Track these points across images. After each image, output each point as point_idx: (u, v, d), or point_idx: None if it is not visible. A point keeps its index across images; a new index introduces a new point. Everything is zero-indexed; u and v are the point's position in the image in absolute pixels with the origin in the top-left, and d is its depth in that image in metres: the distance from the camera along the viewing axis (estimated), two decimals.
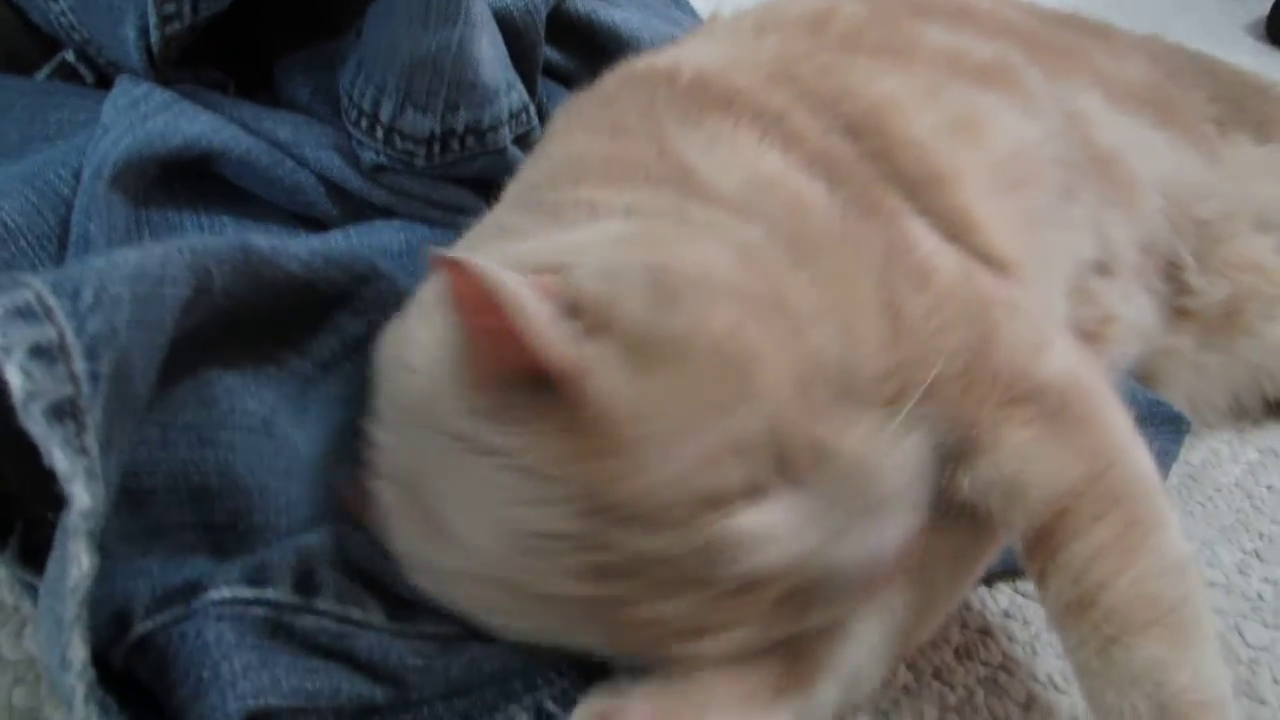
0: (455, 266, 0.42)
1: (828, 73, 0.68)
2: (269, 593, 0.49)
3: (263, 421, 0.58)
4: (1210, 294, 0.78)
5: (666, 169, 0.58)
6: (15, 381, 0.42)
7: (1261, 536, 0.73)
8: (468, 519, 0.45)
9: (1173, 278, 0.78)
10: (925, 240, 0.59)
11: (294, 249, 0.60)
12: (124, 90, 0.72)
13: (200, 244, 0.54)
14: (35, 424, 0.42)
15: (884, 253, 0.56)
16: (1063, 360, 0.57)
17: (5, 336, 0.43)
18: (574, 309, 0.44)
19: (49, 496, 0.48)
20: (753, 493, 0.43)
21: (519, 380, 0.43)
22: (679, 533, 0.42)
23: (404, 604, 0.52)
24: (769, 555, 0.43)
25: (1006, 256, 0.62)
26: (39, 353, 0.44)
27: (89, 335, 0.45)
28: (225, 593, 0.49)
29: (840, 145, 0.63)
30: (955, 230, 0.61)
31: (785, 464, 0.44)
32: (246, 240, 0.57)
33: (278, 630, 0.49)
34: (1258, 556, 0.71)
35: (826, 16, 0.74)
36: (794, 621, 0.46)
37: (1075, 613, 0.50)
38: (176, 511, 0.54)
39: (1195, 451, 0.81)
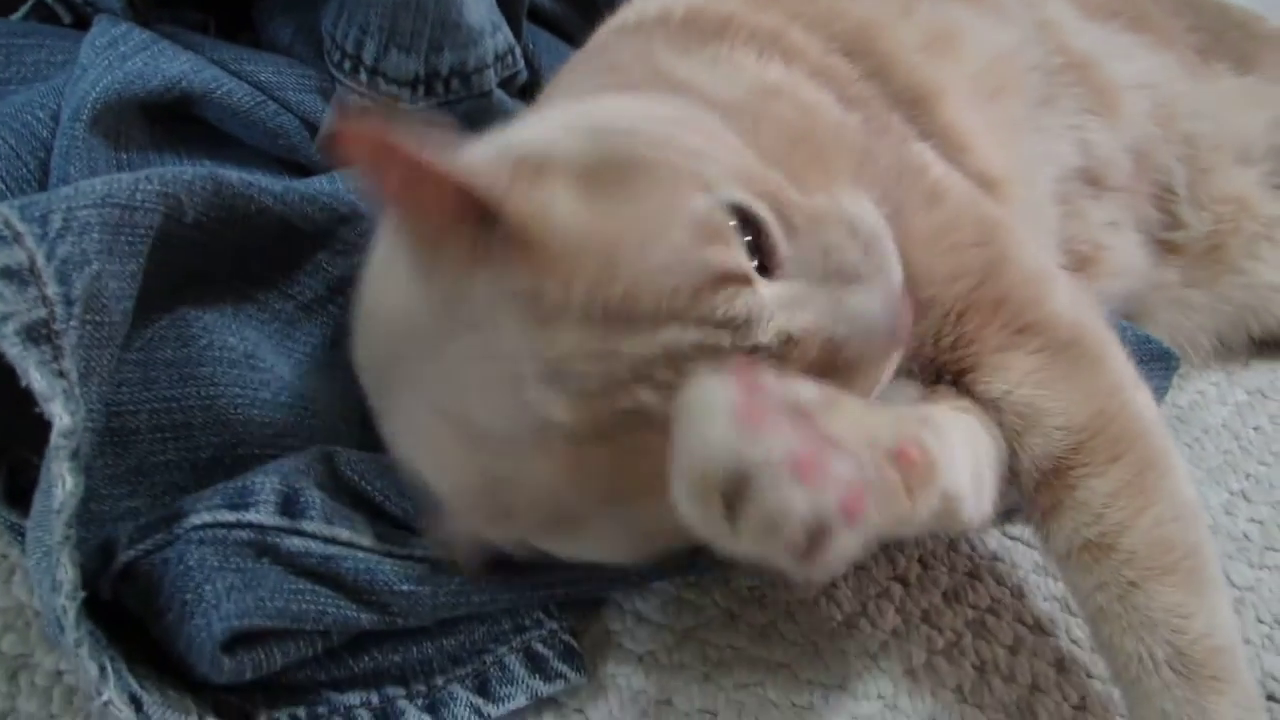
0: (345, 131, 0.38)
1: None
2: (251, 515, 0.49)
3: (245, 355, 0.58)
4: (1196, 228, 0.77)
5: (663, 85, 0.56)
6: None
7: (1248, 477, 0.73)
8: (480, 403, 0.42)
9: (1164, 208, 0.77)
10: (935, 164, 0.59)
11: (267, 183, 0.59)
12: (102, 30, 0.70)
13: (169, 173, 0.54)
14: (10, 345, 0.43)
15: (896, 170, 0.55)
16: (1068, 296, 0.57)
17: None
18: (515, 169, 0.42)
19: (32, 439, 0.48)
20: (744, 272, 0.42)
21: (466, 245, 0.40)
22: (683, 322, 0.40)
23: (395, 526, 0.52)
24: (779, 322, 0.41)
25: (996, 174, 0.62)
26: (9, 275, 0.44)
27: (59, 259, 0.45)
28: (206, 517, 0.49)
29: (842, 65, 0.63)
30: (948, 151, 0.61)
31: (767, 240, 0.43)
32: (216, 171, 0.56)
33: (264, 552, 0.49)
34: (1244, 497, 0.72)
35: None
36: None
37: (1094, 554, 0.50)
38: (161, 449, 0.54)
39: (1183, 394, 0.81)
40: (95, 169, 0.64)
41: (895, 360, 0.47)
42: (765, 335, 0.41)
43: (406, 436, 0.47)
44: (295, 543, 0.49)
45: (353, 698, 0.51)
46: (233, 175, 0.57)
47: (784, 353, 0.41)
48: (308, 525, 0.50)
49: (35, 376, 0.42)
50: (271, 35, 0.80)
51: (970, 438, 0.51)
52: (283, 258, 0.62)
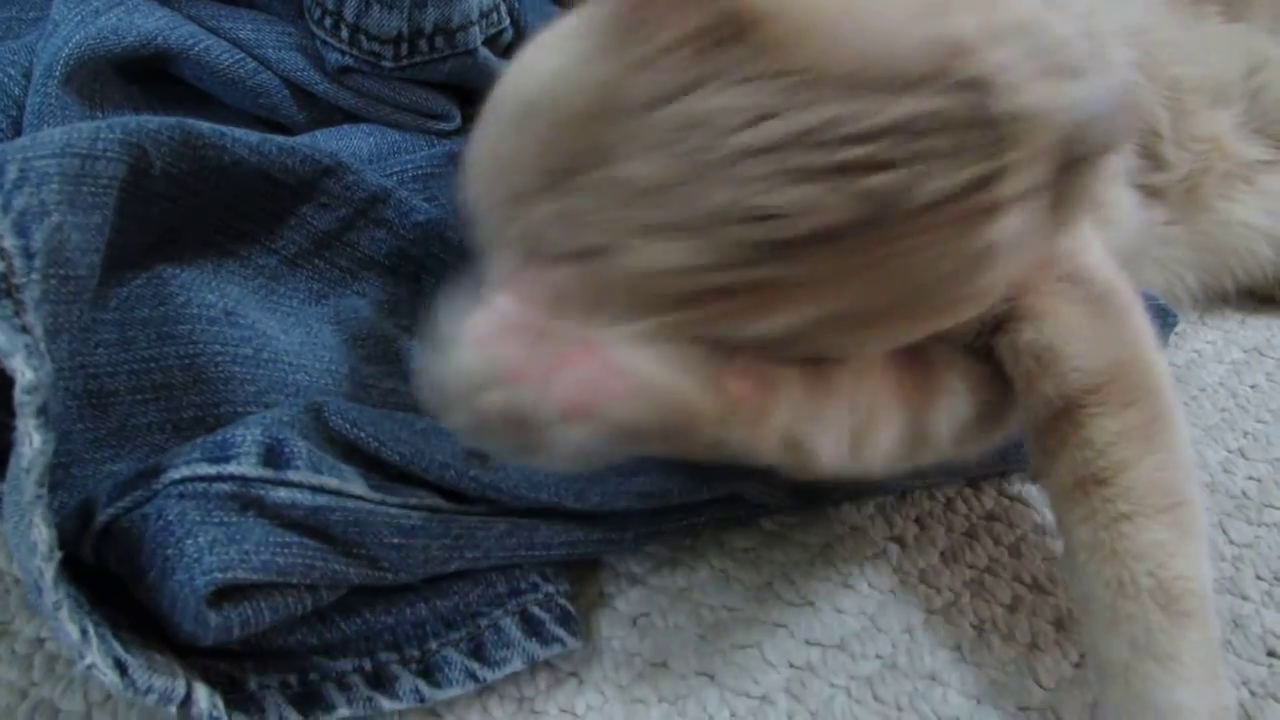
0: None
1: None
2: (231, 468, 0.47)
3: (225, 312, 0.57)
4: (1177, 168, 0.77)
5: None
6: None
7: (1246, 434, 0.73)
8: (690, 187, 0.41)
9: (1148, 153, 0.77)
10: None
11: (241, 135, 0.57)
12: None
13: (134, 122, 0.52)
14: None
15: None
16: (1099, 250, 0.57)
17: None
18: None
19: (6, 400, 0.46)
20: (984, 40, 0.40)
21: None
22: (933, 85, 0.39)
23: (389, 477, 0.51)
24: (1032, 95, 0.40)
25: None
26: None
27: (16, 211, 0.44)
28: (185, 471, 0.47)
29: None
30: None
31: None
32: (185, 121, 0.54)
33: (248, 505, 0.47)
34: (1242, 455, 0.71)
35: None
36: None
37: (1089, 488, 0.51)
38: (142, 411, 0.53)
39: (1179, 352, 0.80)
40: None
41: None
42: (998, 105, 0.39)
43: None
44: (281, 494, 0.47)
45: (345, 664, 0.50)
46: (204, 125, 0.55)
47: (1016, 131, 0.40)
48: (293, 475, 0.48)
49: None
50: None
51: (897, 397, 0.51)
52: (263, 211, 0.60)
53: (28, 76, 0.64)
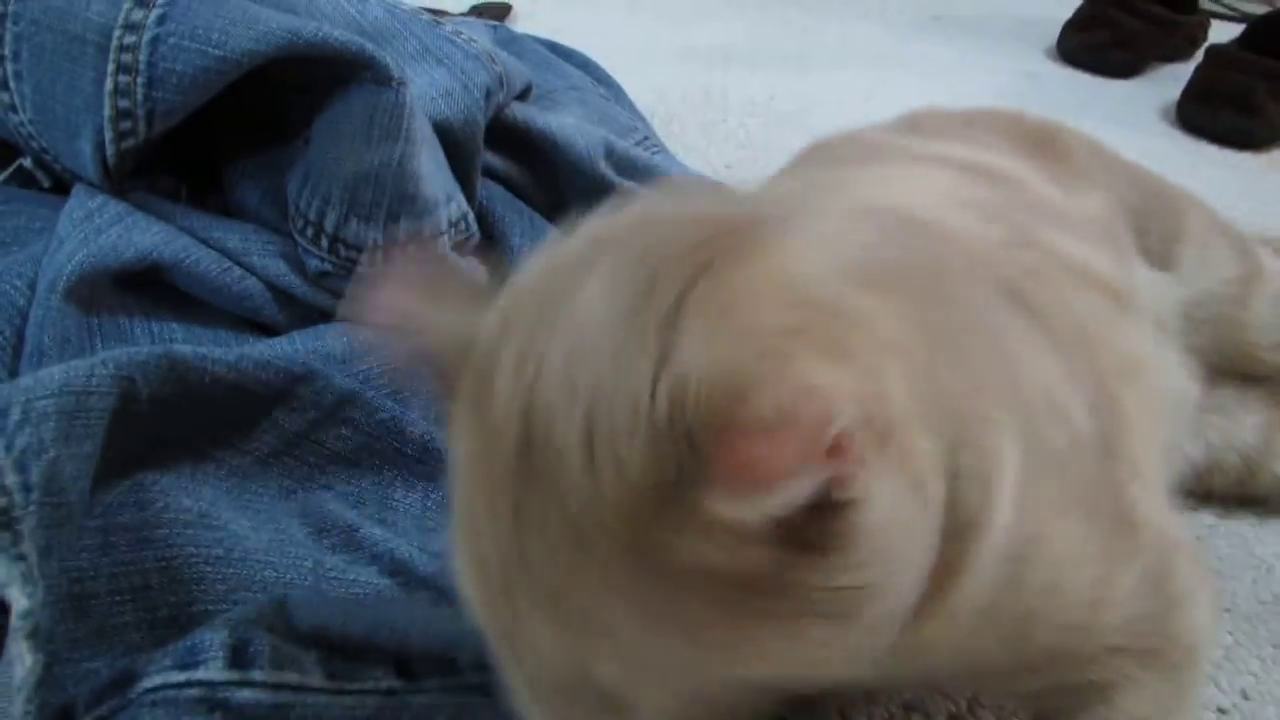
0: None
1: None
2: (199, 673, 0.52)
3: (199, 515, 0.62)
4: None
5: None
6: None
7: None
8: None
9: None
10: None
11: (219, 354, 0.64)
12: (80, 203, 0.76)
13: (124, 355, 0.58)
14: None
15: None
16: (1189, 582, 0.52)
17: None
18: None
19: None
20: None
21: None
22: None
23: (347, 658, 0.55)
24: None
25: None
26: None
27: (18, 450, 0.50)
28: (157, 680, 0.52)
29: None
30: None
31: None
32: (170, 349, 0.61)
33: (214, 708, 0.51)
34: None
35: None
36: None
37: None
38: (120, 612, 0.57)
39: None
40: (67, 335, 0.69)
41: None
42: None
43: None
44: (245, 694, 0.52)
45: None
46: (186, 350, 0.62)
47: None
48: (256, 675, 0.53)
49: None
50: (240, 198, 0.86)
51: None
52: (238, 419, 0.66)
53: (32, 287, 0.70)
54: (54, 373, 0.54)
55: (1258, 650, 0.71)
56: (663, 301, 0.33)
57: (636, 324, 0.33)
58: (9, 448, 0.49)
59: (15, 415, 0.50)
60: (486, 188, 0.96)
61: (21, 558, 0.47)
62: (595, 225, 0.40)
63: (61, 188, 0.83)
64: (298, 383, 0.68)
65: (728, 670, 0.36)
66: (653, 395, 0.32)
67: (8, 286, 0.70)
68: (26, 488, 0.49)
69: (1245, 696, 0.68)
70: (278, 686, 0.53)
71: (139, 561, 0.58)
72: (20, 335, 0.69)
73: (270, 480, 0.68)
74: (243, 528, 0.64)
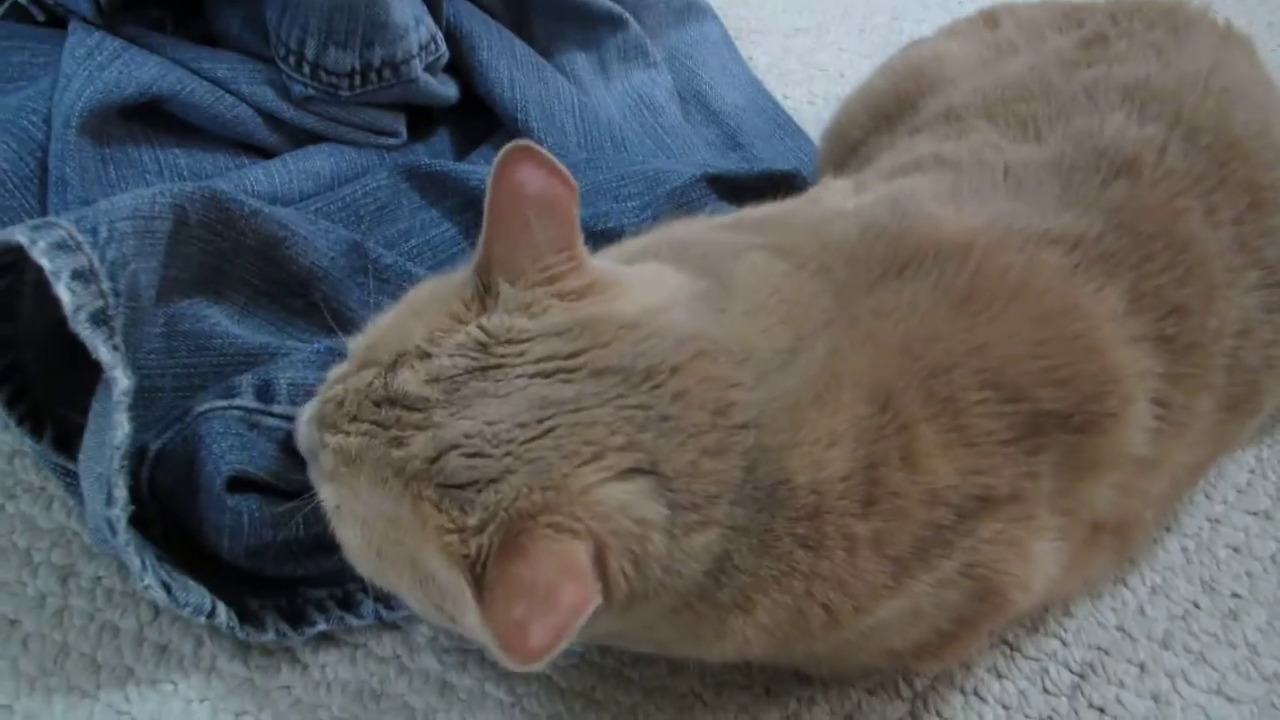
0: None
1: None
2: (237, 401, 0.66)
3: (242, 333, 0.74)
4: None
5: None
6: (65, 298, 0.58)
7: None
8: None
9: None
10: None
11: (253, 199, 0.74)
12: (79, 41, 0.82)
13: (176, 187, 0.68)
14: (83, 329, 0.58)
15: None
16: None
17: (53, 264, 0.58)
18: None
19: (73, 400, 0.64)
20: None
21: None
22: None
23: None
24: None
25: None
26: (79, 275, 0.59)
27: (109, 262, 0.61)
28: (205, 405, 0.66)
29: None
30: None
31: None
32: (211, 184, 0.73)
33: (252, 426, 0.65)
34: None
35: None
36: None
37: None
38: (181, 403, 0.69)
39: None
40: (84, 165, 0.78)
41: None
42: None
43: None
44: (270, 420, 0.66)
45: (322, 591, 0.67)
46: (225, 186, 0.73)
47: None
48: (276, 408, 0.67)
49: (103, 351, 0.58)
50: (222, 26, 0.92)
51: None
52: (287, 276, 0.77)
53: (47, 122, 0.78)
54: (125, 199, 0.64)
55: None
56: None
57: None
58: (102, 259, 0.60)
59: (104, 233, 0.61)
60: (453, 4, 1.01)
61: (117, 348, 0.59)
62: None
63: (55, 21, 0.89)
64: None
65: None
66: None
67: (26, 123, 0.78)
68: (117, 293, 0.60)
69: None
70: (293, 418, 0.64)
71: (198, 365, 0.71)
72: (43, 167, 0.77)
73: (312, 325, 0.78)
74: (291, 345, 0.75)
